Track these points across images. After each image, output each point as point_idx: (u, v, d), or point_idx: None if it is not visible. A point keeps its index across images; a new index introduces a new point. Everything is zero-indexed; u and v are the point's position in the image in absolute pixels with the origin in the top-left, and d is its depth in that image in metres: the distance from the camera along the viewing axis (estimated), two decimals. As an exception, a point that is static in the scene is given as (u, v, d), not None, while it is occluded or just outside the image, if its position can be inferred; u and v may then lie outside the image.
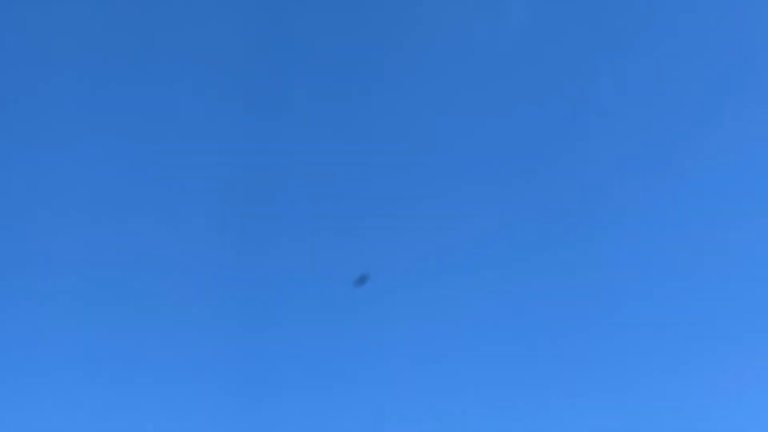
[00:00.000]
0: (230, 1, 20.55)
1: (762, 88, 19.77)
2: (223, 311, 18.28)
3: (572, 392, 16.92)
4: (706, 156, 19.16)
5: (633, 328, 17.85)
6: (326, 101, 18.99)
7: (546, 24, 19.89)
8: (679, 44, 20.03)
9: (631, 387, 17.03)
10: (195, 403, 17.56)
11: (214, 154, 20.33)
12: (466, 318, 18.05)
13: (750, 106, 19.65)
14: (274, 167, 19.83)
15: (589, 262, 18.24)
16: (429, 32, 19.59)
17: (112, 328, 18.62)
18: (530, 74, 19.57)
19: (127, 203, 20.05)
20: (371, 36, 20.08)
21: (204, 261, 19.19)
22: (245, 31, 20.25)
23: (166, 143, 20.40)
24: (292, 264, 19.07)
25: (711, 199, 18.76)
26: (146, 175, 20.17)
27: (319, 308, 18.13)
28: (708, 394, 16.89)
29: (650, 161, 19.52)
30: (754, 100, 19.88)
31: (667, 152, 19.49)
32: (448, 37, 19.68)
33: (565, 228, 18.62)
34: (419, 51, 19.64)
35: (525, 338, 17.54)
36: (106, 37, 20.66)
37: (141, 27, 20.65)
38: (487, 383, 16.12)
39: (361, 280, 15.45)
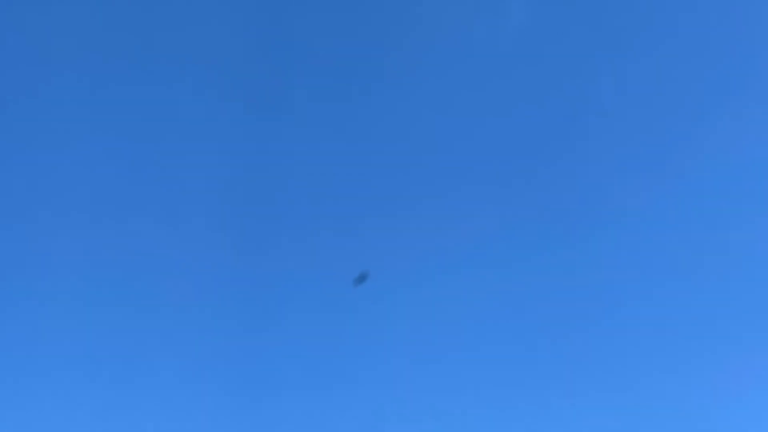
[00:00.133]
0: (230, 1, 20.57)
1: (761, 88, 19.80)
2: (224, 310, 18.31)
3: (572, 392, 16.95)
4: (705, 155, 19.19)
5: (632, 328, 17.88)
6: (326, 101, 19.03)
7: (545, 24, 19.93)
8: (678, 44, 20.06)
9: (630, 386, 17.05)
10: (195, 402, 17.59)
11: (214, 155, 20.37)
12: (466, 317, 18.09)
13: (750, 106, 19.68)
14: (274, 167, 19.87)
15: (588, 262, 18.27)
16: (429, 32, 19.64)
17: (112, 328, 18.66)
18: (530, 74, 19.61)
19: (127, 203, 20.08)
20: (371, 36, 20.11)
21: (204, 260, 19.23)
22: (245, 31, 20.30)
23: (166, 143, 20.43)
24: (292, 262, 19.10)
25: (710, 198, 18.79)
26: (146, 175, 20.20)
27: (319, 306, 18.15)
28: (707, 393, 16.91)
29: (649, 160, 19.54)
30: (754, 100, 19.90)
31: (667, 151, 19.52)
32: (448, 37, 19.72)
33: (565, 228, 18.66)
34: (419, 51, 19.68)
35: (524, 337, 17.57)
36: (106, 37, 20.69)
37: (141, 27, 20.68)
38: (486, 382, 16.14)
39: (361, 278, 15.48)
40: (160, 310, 18.90)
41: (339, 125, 19.38)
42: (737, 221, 18.28)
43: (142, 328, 18.49)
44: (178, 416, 17.48)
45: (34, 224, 19.99)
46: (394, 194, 19.67)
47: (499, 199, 18.77)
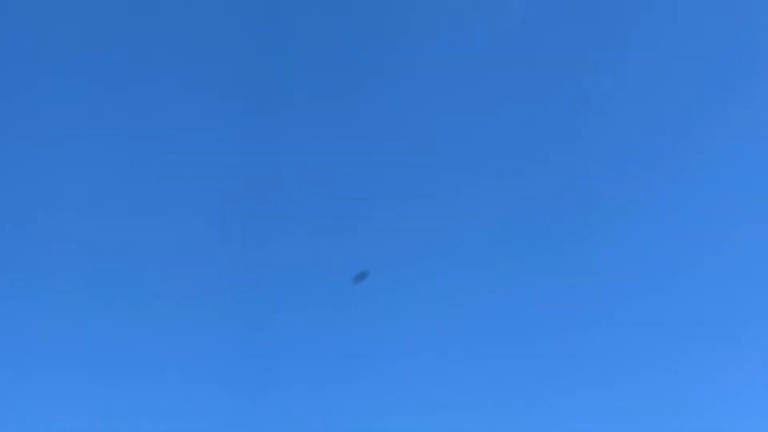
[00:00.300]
0: (230, 1, 20.60)
1: (760, 87, 19.79)
2: (225, 307, 18.38)
3: (569, 388, 16.96)
4: (702, 150, 19.19)
5: (628, 325, 17.90)
6: (325, 100, 19.05)
7: (545, 23, 19.94)
8: (677, 42, 20.05)
9: (626, 381, 17.07)
10: (197, 397, 17.62)
11: (214, 154, 20.42)
12: (463, 314, 18.08)
13: (748, 104, 19.67)
14: (274, 166, 19.90)
15: (586, 258, 18.28)
16: (428, 32, 19.67)
17: (114, 324, 18.71)
18: (528, 73, 19.61)
19: (128, 202, 20.13)
20: (371, 36, 20.13)
21: (205, 259, 19.27)
22: (246, 30, 20.34)
23: (166, 143, 20.48)
24: (293, 261, 19.13)
25: (707, 194, 18.79)
26: (147, 174, 20.24)
27: (319, 304, 18.17)
28: (703, 390, 16.90)
29: (647, 156, 19.53)
30: (753, 99, 19.90)
31: (664, 146, 19.51)
32: (447, 37, 19.74)
33: (562, 226, 18.67)
34: (418, 51, 19.71)
35: (522, 333, 17.59)
36: (105, 36, 20.73)
37: (141, 27, 20.72)
38: (484, 378, 16.15)
39: (361, 276, 15.51)
40: (160, 306, 18.94)
41: (338, 124, 19.41)
42: (733, 219, 18.30)
43: (144, 326, 18.54)
44: (179, 413, 17.51)
45: (34, 224, 20.04)
46: (393, 194, 19.68)
47: (496, 197, 18.78)
